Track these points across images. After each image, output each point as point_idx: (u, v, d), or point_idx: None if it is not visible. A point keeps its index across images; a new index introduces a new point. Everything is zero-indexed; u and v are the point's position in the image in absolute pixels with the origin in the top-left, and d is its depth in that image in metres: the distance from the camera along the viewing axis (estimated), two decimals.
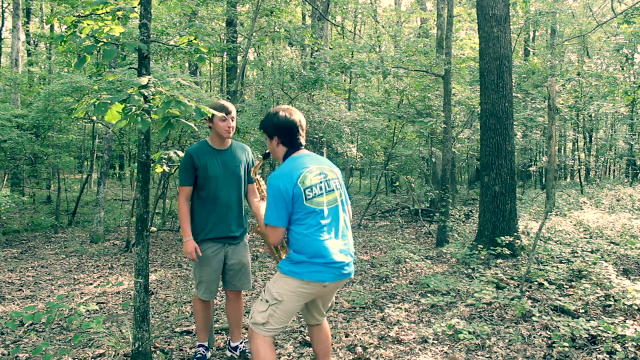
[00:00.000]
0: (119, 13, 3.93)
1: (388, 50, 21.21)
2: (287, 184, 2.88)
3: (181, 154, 4.07)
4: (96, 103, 3.39)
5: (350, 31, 24.37)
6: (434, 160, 12.72)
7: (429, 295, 5.63)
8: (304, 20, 21.36)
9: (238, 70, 12.61)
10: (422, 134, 11.32)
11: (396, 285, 6.22)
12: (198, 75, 18.01)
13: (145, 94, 3.19)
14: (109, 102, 3.32)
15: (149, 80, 3.27)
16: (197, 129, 3.68)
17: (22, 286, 6.96)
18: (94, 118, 10.76)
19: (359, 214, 14.17)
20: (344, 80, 10.57)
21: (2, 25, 25.91)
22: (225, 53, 17.62)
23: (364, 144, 12.55)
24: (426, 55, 10.51)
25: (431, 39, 16.35)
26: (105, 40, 3.67)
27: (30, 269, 8.12)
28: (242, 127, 9.98)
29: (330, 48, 12.50)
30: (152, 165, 3.75)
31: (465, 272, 6.65)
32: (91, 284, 6.96)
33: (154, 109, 3.18)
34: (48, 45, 24.78)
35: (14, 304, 6.04)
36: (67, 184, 17.35)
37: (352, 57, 10.87)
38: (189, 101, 3.17)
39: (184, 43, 4.00)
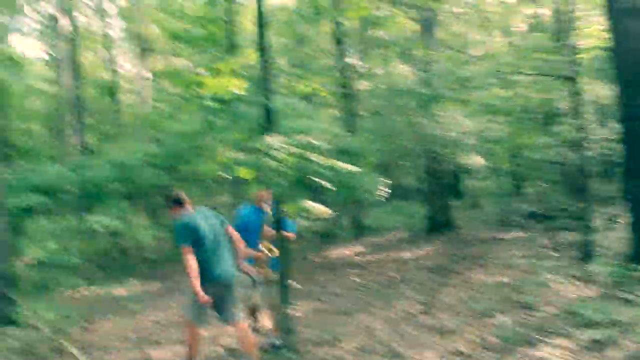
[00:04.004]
0: (240, 69, 3.96)
1: (500, 51, 20.13)
2: None
3: (319, 206, 3.99)
4: (225, 162, 3.40)
5: (457, 36, 23.52)
6: (565, 164, 11.78)
7: (584, 327, 5.09)
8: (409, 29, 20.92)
9: (353, 89, 12.48)
10: (550, 139, 10.53)
11: (544, 315, 5.73)
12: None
13: (276, 155, 3.13)
14: (238, 164, 3.31)
15: (278, 139, 3.21)
16: (333, 188, 3.56)
17: (170, 328, 7.24)
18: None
19: (488, 224, 13.52)
20: (462, 91, 10.10)
21: (131, 66, 27.95)
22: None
23: (488, 153, 11.95)
24: (547, 55, 9.76)
25: (548, 34, 15.34)
26: (228, 97, 3.69)
27: (174, 306, 8.46)
28: (353, 150, 9.55)
29: (442, 58, 12.09)
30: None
31: (623, 297, 5.95)
32: None
33: (285, 169, 3.11)
34: (170, 82, 26.31)
35: (165, 348, 6.26)
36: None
37: (468, 65, 10.37)
38: (319, 155, 3.07)
39: (306, 91, 3.94)
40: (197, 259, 4.60)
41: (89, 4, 24.40)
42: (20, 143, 24.41)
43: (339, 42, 15.52)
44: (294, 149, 3.09)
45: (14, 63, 21.01)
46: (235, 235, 4.89)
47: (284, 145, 3.07)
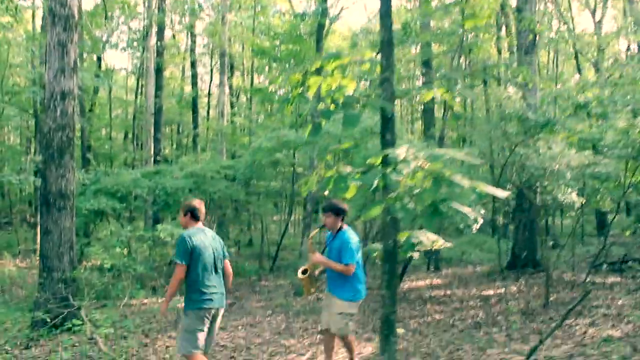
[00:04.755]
0: (354, 67, 3.35)
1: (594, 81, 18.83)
2: None
3: (433, 236, 3.30)
4: (334, 178, 2.78)
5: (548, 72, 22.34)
6: None
7: None
8: (500, 55, 20.06)
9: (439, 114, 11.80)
10: None
11: None
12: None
13: (404, 170, 2.47)
14: (351, 181, 2.67)
15: (407, 152, 2.55)
16: (472, 217, 2.87)
17: (234, 351, 6.72)
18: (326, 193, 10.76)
19: (579, 264, 12.34)
20: (573, 120, 9.13)
21: (211, 81, 28.49)
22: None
23: (588, 189, 10.87)
24: None
25: None
26: (337, 98, 3.08)
27: (240, 327, 7.96)
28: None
29: (540, 84, 11.19)
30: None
31: None
32: (303, 354, 6.45)
33: (415, 191, 2.44)
34: (248, 96, 26.46)
35: None
36: (264, 225, 17.69)
37: (584, 93, 9.40)
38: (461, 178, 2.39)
39: (428, 97, 3.28)
40: (193, 277, 4.53)
41: (178, 19, 24.95)
42: (99, 148, 25.11)
43: (425, 64, 14.87)
44: (427, 165, 2.42)
45: (103, 74, 21.61)
46: (228, 268, 4.94)
47: (417, 161, 2.39)
